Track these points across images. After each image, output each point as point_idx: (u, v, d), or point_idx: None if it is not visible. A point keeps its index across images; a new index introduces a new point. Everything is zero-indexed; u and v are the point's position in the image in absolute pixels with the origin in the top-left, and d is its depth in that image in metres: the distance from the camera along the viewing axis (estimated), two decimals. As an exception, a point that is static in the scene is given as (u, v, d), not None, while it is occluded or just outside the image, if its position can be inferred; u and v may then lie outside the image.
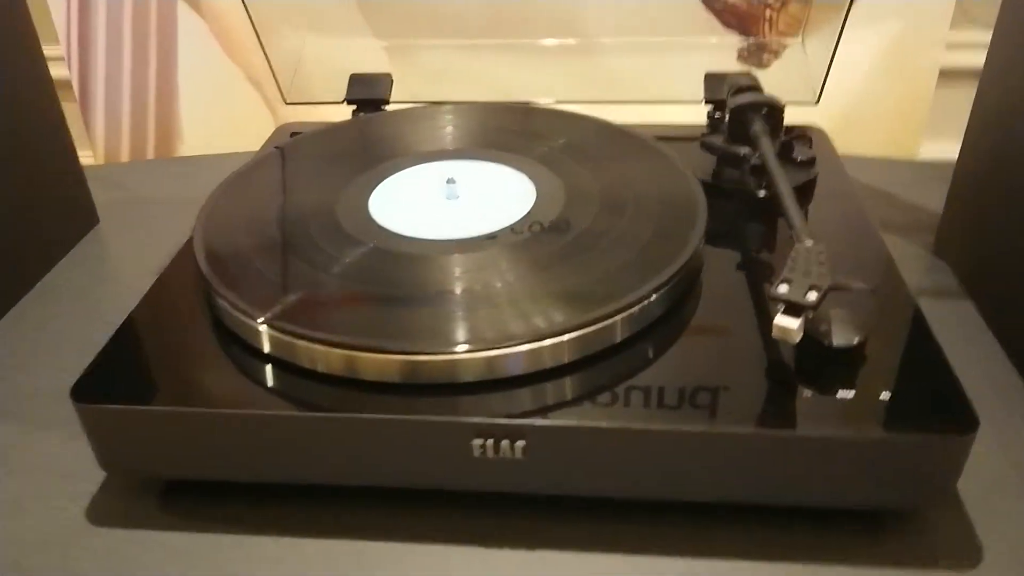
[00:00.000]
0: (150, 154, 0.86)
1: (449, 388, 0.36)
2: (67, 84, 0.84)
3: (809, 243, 0.37)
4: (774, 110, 0.49)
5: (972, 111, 0.51)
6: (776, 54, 0.81)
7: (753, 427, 0.33)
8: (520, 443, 0.34)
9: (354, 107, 0.61)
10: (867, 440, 0.33)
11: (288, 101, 0.61)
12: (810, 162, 0.51)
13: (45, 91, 0.57)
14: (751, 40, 0.75)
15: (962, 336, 0.48)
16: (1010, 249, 0.46)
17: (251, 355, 0.38)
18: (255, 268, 0.42)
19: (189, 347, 0.40)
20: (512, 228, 0.43)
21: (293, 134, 0.59)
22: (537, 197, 0.46)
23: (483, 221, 0.44)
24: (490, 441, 0.34)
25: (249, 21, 0.56)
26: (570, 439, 0.34)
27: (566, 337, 0.37)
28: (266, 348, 0.38)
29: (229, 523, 0.38)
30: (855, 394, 0.35)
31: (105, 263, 0.59)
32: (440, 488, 0.37)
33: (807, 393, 0.35)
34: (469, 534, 0.37)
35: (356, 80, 0.60)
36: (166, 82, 0.82)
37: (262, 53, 0.62)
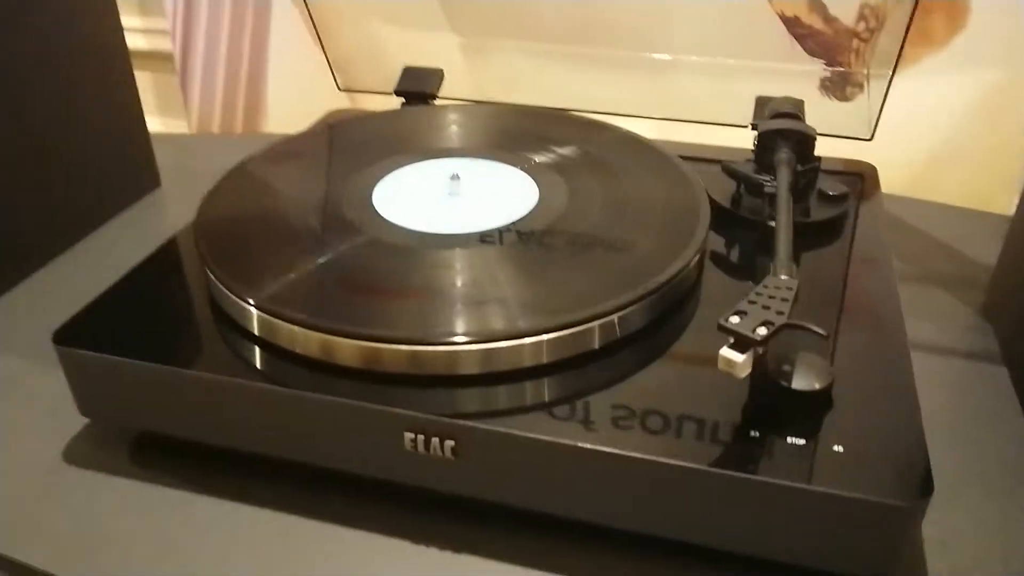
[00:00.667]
0: (238, 128, 0.90)
1: (403, 379, 0.36)
2: (169, 56, 0.89)
3: (783, 277, 0.35)
4: (804, 139, 0.46)
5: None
6: (861, 87, 0.77)
7: (684, 460, 0.32)
8: (449, 443, 0.34)
9: (402, 99, 0.62)
10: (797, 489, 0.31)
11: (341, 88, 0.63)
12: (842, 197, 0.48)
13: (120, 60, 0.61)
14: (834, 70, 0.71)
15: (983, 403, 0.44)
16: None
17: (230, 327, 0.40)
18: (249, 246, 0.43)
19: (176, 310, 0.42)
20: (500, 229, 0.43)
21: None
22: (538, 201, 0.46)
23: (477, 219, 0.44)
24: (421, 437, 0.34)
25: (309, 13, 0.58)
26: (499, 446, 0.34)
27: (525, 341, 0.36)
28: (246, 324, 0.39)
29: (184, 481, 0.40)
30: (806, 442, 0.33)
31: (157, 224, 0.63)
32: (372, 476, 0.37)
33: (754, 433, 0.33)
34: (397, 527, 0.37)
35: (408, 73, 0.62)
36: (257, 62, 0.86)
37: (333, 39, 0.64)
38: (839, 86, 0.71)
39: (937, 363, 0.47)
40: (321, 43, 0.60)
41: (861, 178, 0.54)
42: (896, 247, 0.59)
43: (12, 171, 0.53)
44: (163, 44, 0.91)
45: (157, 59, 0.95)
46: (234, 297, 0.39)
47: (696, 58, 0.70)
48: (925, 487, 0.30)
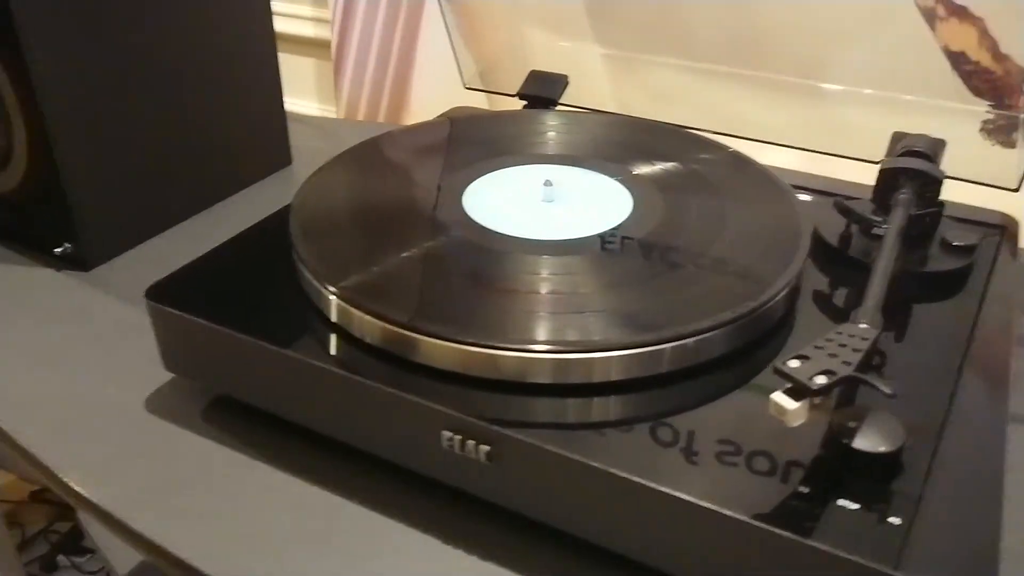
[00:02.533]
0: (381, 118, 0.94)
1: (459, 379, 0.36)
2: (327, 44, 0.94)
3: (862, 326, 0.32)
4: (929, 181, 0.42)
5: None
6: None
7: (717, 504, 0.30)
8: (484, 447, 0.34)
9: (524, 103, 0.62)
10: (837, 558, 0.28)
11: (466, 86, 0.64)
12: (968, 249, 0.43)
13: (266, 44, 0.64)
14: (998, 113, 0.65)
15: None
16: None
17: (307, 306, 0.41)
18: (336, 234, 0.44)
19: (263, 283, 0.43)
20: (581, 239, 0.42)
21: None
22: (631, 214, 0.45)
23: (562, 228, 0.43)
24: (458, 437, 0.34)
25: (442, 12, 0.59)
26: (533, 457, 0.33)
27: (583, 356, 0.35)
28: (321, 306, 0.40)
29: (246, 445, 0.41)
30: (859, 507, 0.30)
31: (281, 198, 0.65)
32: (409, 468, 0.37)
33: (803, 489, 0.31)
34: (431, 521, 0.37)
35: (533, 77, 0.62)
36: (406, 56, 0.89)
37: (475, 38, 0.65)
38: (1004, 130, 0.65)
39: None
40: (450, 38, 0.61)
41: (1002, 231, 0.49)
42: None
43: (156, 139, 0.57)
44: (328, 33, 0.96)
45: (322, 47, 1.00)
46: (312, 280, 0.40)
47: (851, 89, 0.66)
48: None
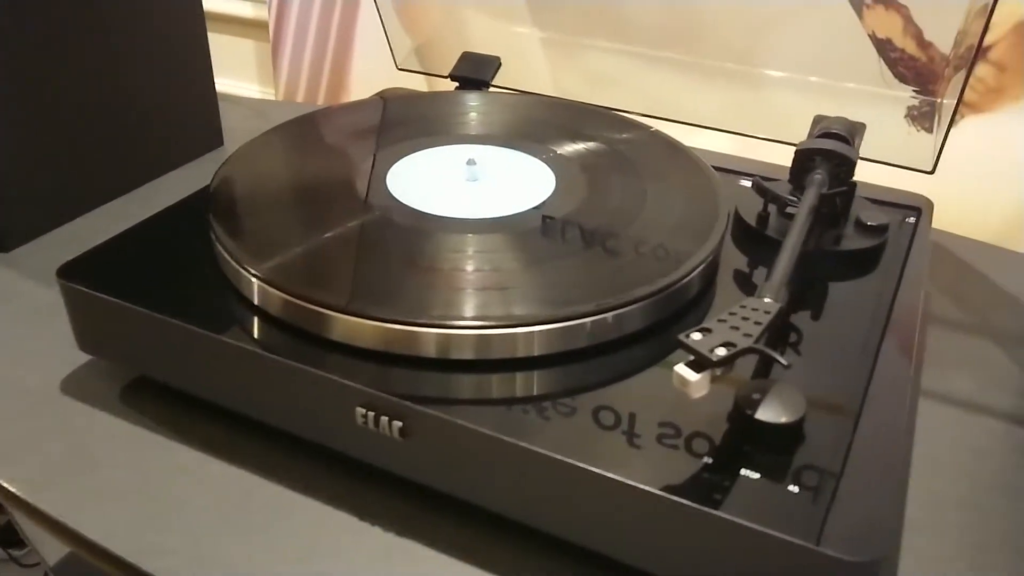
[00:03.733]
0: (320, 100, 0.92)
1: (370, 355, 0.36)
2: (264, 25, 0.92)
3: (766, 300, 0.32)
4: (843, 161, 0.43)
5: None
6: (954, 122, 0.72)
7: (618, 474, 0.30)
8: (397, 423, 0.34)
9: (456, 84, 0.61)
10: (731, 524, 0.28)
11: (399, 67, 0.64)
12: (881, 229, 0.44)
13: (196, 23, 0.63)
14: (922, 99, 0.66)
15: (1005, 473, 0.40)
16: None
17: (223, 286, 0.40)
18: (254, 212, 0.44)
19: (178, 263, 0.43)
20: (506, 218, 0.42)
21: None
22: (553, 192, 0.45)
23: (485, 206, 0.43)
24: (371, 413, 0.34)
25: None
26: (442, 432, 0.33)
27: (495, 331, 0.35)
28: (239, 286, 0.40)
29: (162, 425, 0.41)
30: (760, 476, 0.30)
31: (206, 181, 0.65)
32: (327, 445, 0.37)
33: (706, 459, 0.31)
34: (350, 502, 0.37)
35: (465, 58, 0.61)
36: (345, 38, 0.88)
37: (411, 19, 0.64)
38: (927, 116, 0.66)
39: (968, 423, 0.43)
40: (380, 17, 0.60)
41: (918, 213, 0.50)
42: (951, 289, 0.55)
43: (79, 118, 0.56)
44: (261, 13, 0.94)
45: (262, 27, 0.98)
46: (229, 260, 0.40)
47: (781, 74, 0.67)
48: (875, 549, 0.28)
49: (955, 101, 0.48)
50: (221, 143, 0.69)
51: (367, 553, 0.35)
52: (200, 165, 0.66)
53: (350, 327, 0.36)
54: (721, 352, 0.29)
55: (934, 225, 0.52)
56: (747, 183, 0.47)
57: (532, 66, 0.71)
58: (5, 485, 0.38)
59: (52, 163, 0.55)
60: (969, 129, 0.72)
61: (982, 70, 0.70)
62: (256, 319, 0.39)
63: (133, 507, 0.37)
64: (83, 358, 0.44)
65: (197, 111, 0.66)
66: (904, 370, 0.36)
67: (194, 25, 0.63)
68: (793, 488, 0.30)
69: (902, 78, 0.67)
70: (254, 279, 0.38)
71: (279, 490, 0.38)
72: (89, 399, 0.42)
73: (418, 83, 0.86)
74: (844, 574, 0.28)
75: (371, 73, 0.89)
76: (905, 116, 0.66)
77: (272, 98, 0.97)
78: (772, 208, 0.45)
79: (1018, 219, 0.72)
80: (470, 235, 0.41)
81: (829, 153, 0.43)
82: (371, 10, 0.86)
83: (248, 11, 1.00)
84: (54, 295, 0.49)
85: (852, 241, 0.44)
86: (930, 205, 0.50)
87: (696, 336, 0.30)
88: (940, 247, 0.59)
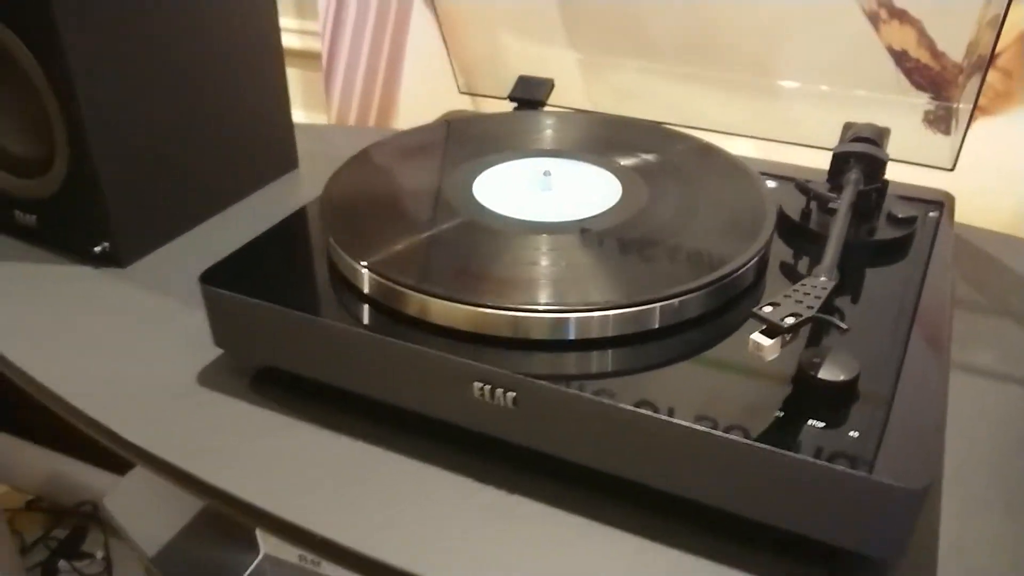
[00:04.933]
0: (371, 122, 0.99)
1: (485, 339, 0.42)
2: (317, 55, 0.99)
3: (821, 279, 0.38)
4: (874, 162, 0.49)
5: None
6: (971, 123, 0.78)
7: (706, 426, 0.36)
8: (511, 394, 0.40)
9: (515, 104, 0.68)
10: (805, 463, 0.34)
11: (462, 90, 0.70)
12: (909, 220, 0.50)
13: (276, 58, 0.70)
14: (938, 104, 0.72)
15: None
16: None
17: (343, 283, 0.47)
18: (364, 218, 0.50)
19: (301, 266, 0.49)
20: (580, 220, 0.48)
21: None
22: (620, 199, 0.51)
23: (562, 210, 0.50)
24: (487, 387, 0.40)
25: (439, 24, 0.65)
26: (553, 399, 0.39)
27: (583, 315, 0.41)
28: (356, 282, 0.46)
29: (291, 409, 0.47)
30: (825, 426, 0.36)
31: (292, 197, 0.71)
32: (446, 420, 0.43)
33: (780, 414, 0.37)
34: (463, 466, 0.43)
35: (522, 81, 0.68)
36: (394, 66, 0.95)
37: (460, 46, 0.71)
38: (942, 120, 0.72)
39: (993, 390, 0.49)
40: (448, 49, 0.67)
41: (941, 206, 0.56)
42: (973, 275, 0.61)
43: (182, 146, 0.63)
44: (313, 44, 1.01)
45: (307, 58, 1.05)
46: (347, 258, 0.46)
47: (806, 85, 0.73)
48: (924, 476, 0.34)
49: (971, 105, 0.54)
50: (296, 165, 0.75)
51: (482, 509, 0.41)
52: (280, 185, 0.73)
53: (454, 313, 0.42)
54: (790, 320, 0.35)
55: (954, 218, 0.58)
56: (772, 184, 0.53)
57: (569, 85, 0.77)
58: (161, 456, 0.44)
59: (158, 187, 0.62)
60: (980, 132, 0.77)
61: (991, 76, 0.76)
62: (370, 309, 0.45)
63: (275, 476, 0.43)
64: (209, 358, 0.51)
65: (277, 137, 0.73)
66: (938, 335, 0.42)
67: (274, 58, 0.70)
68: (853, 433, 0.36)
69: (918, 86, 0.73)
70: (372, 273, 0.44)
71: (400, 459, 0.44)
72: (223, 389, 0.49)
73: (464, 105, 0.93)
74: (897, 499, 0.33)
75: (418, 98, 0.95)
76: (922, 121, 0.72)
77: (320, 123, 1.03)
78: (813, 205, 0.51)
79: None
80: (550, 235, 0.47)
81: (862, 155, 0.50)
82: (418, 41, 0.93)
83: (296, 43, 1.07)
84: (169, 303, 0.56)
85: (885, 232, 0.50)
86: (951, 199, 0.56)
87: (768, 309, 0.36)
88: (958, 238, 0.65)
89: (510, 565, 0.38)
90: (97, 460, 1.48)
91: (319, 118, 1.05)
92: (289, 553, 0.76)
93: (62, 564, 1.42)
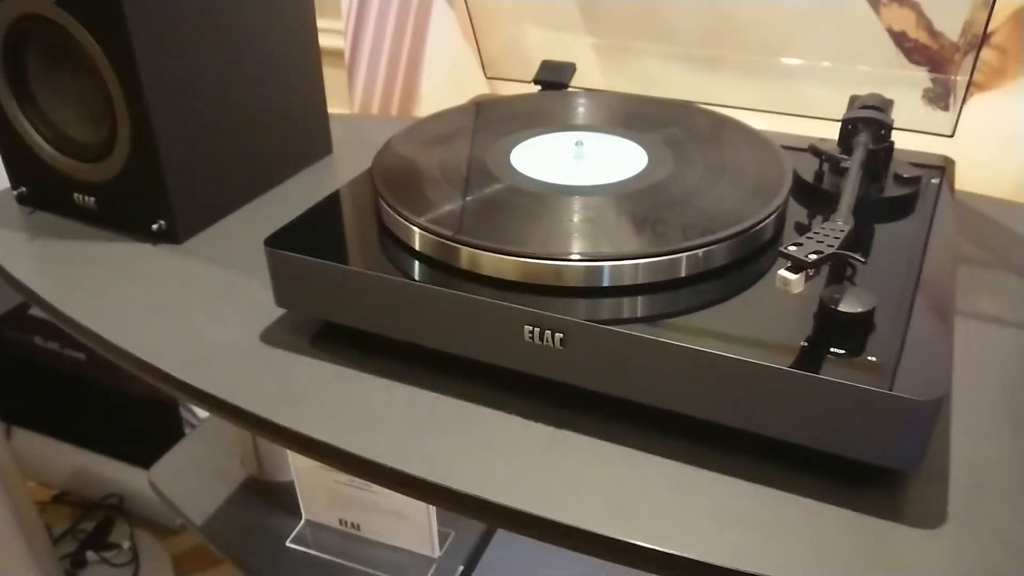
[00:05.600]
0: (394, 112, 1.03)
1: (529, 287, 0.46)
2: (341, 52, 1.03)
3: (839, 222, 0.43)
4: (881, 126, 0.54)
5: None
6: (968, 95, 0.82)
7: (741, 355, 0.40)
8: (559, 335, 0.44)
9: (540, 87, 0.72)
10: (832, 383, 0.38)
11: (488, 76, 0.74)
12: (914, 179, 0.55)
13: (313, 52, 0.75)
14: (935, 77, 0.76)
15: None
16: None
17: (395, 242, 0.51)
18: (412, 184, 0.55)
19: (355, 229, 0.53)
20: (613, 184, 0.53)
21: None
22: (647, 166, 0.55)
23: (594, 175, 0.54)
24: (537, 329, 0.44)
25: (469, 14, 0.69)
26: (598, 338, 0.43)
27: (619, 263, 0.46)
28: (408, 240, 0.50)
29: (353, 362, 0.51)
30: (846, 352, 0.40)
31: (329, 179, 0.76)
32: (496, 364, 0.47)
33: (803, 343, 0.41)
34: (514, 406, 0.47)
35: (545, 65, 0.72)
36: (415, 58, 0.99)
37: (486, 35, 0.75)
38: (941, 97, 0.77)
39: (996, 332, 0.53)
40: (475, 38, 0.71)
41: (942, 170, 0.60)
42: (976, 235, 0.65)
43: (232, 131, 0.67)
44: (333, 42, 1.06)
45: (328, 55, 1.09)
46: (399, 218, 0.50)
47: (814, 65, 0.78)
48: (937, 390, 0.38)
49: (967, 78, 0.58)
50: (331, 151, 0.80)
51: (534, 443, 0.45)
52: (317, 170, 0.77)
53: (502, 264, 0.46)
54: (813, 257, 0.40)
55: (955, 185, 0.62)
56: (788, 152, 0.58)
57: (587, 69, 0.81)
58: (243, 406, 0.48)
59: (210, 172, 0.66)
60: (979, 106, 0.82)
61: (987, 54, 0.80)
62: (421, 265, 0.49)
63: (341, 420, 0.47)
64: (268, 321, 0.55)
65: (313, 125, 0.77)
66: (942, 277, 0.46)
67: (311, 55, 0.75)
68: (871, 358, 0.40)
69: (917, 64, 0.77)
70: (423, 231, 0.49)
71: (456, 402, 0.48)
72: (286, 346, 0.53)
73: (485, 90, 0.97)
74: (914, 410, 0.38)
75: (438, 86, 1.00)
76: (922, 97, 0.77)
77: (344, 112, 1.08)
78: (826, 167, 0.55)
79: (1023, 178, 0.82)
80: (582, 197, 0.52)
81: (869, 120, 0.54)
82: (437, 33, 0.97)
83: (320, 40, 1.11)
84: (226, 275, 0.60)
85: (892, 190, 0.54)
86: (952, 163, 0.61)
87: (793, 248, 0.40)
88: (962, 204, 0.70)
89: (560, 490, 0.42)
90: (120, 455, 1.52)
91: (342, 112, 1.10)
92: (330, 518, 0.80)
93: (90, 555, 1.46)
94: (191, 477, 0.84)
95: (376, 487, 0.78)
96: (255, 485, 0.84)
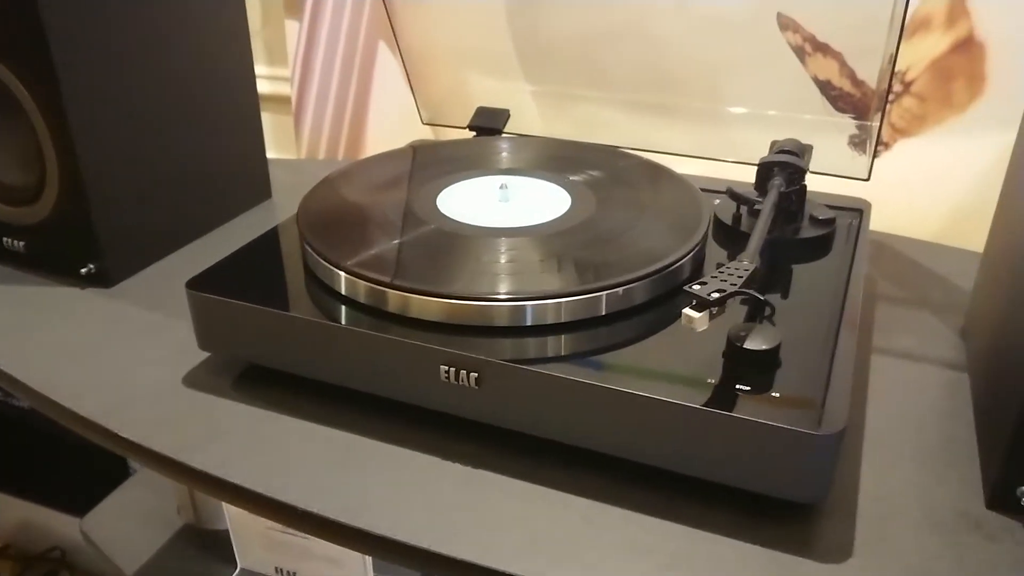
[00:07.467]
0: (340, 156, 1.04)
1: (451, 328, 0.47)
2: (289, 99, 1.05)
3: (745, 262, 0.44)
4: (795, 170, 0.55)
5: (997, 206, 0.54)
6: (887, 146, 0.85)
7: (653, 393, 0.41)
8: (474, 374, 0.44)
9: (474, 133, 0.74)
10: (727, 418, 0.39)
11: (424, 121, 0.75)
12: (829, 221, 0.56)
13: (251, 98, 0.76)
14: (860, 124, 0.79)
15: (940, 401, 0.51)
16: (999, 343, 0.49)
17: (318, 285, 0.51)
18: (338, 228, 0.55)
19: (277, 272, 0.53)
20: (536, 225, 0.54)
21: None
22: (570, 207, 0.56)
23: (518, 217, 0.55)
24: (452, 369, 0.45)
25: (403, 62, 0.70)
26: (512, 378, 0.44)
27: (538, 303, 0.46)
28: (332, 283, 0.50)
29: (272, 404, 0.51)
30: (750, 388, 0.41)
31: (266, 224, 0.76)
32: (415, 403, 0.47)
33: (711, 380, 0.42)
34: (432, 447, 0.47)
35: (480, 112, 0.74)
36: (361, 104, 1.01)
37: (423, 82, 0.77)
38: (864, 143, 0.79)
39: (910, 368, 0.54)
40: (411, 84, 0.72)
41: (860, 212, 0.62)
42: (897, 276, 0.67)
43: (165, 175, 0.67)
44: (282, 89, 1.07)
45: (276, 101, 1.10)
46: (321, 260, 0.50)
47: (746, 111, 0.80)
48: (837, 423, 0.39)
49: (878, 123, 0.61)
50: (270, 195, 0.80)
51: (450, 482, 0.45)
52: (256, 213, 0.77)
53: (422, 305, 0.47)
54: (716, 295, 0.41)
55: (880, 227, 0.64)
56: (718, 200, 0.59)
57: (526, 115, 0.83)
58: (158, 450, 0.48)
59: (142, 216, 0.66)
60: (903, 152, 0.85)
61: (908, 101, 0.84)
62: (344, 307, 0.49)
63: (260, 462, 0.47)
64: (193, 363, 0.55)
65: (252, 170, 0.78)
66: (852, 315, 0.48)
67: (250, 98, 0.75)
68: (775, 394, 0.41)
69: (842, 111, 0.80)
70: (346, 274, 0.49)
71: (374, 443, 0.48)
72: (209, 389, 0.52)
73: (427, 136, 0.99)
74: (816, 445, 0.38)
75: (384, 132, 1.01)
76: (848, 144, 0.79)
77: (290, 158, 1.09)
78: (743, 210, 0.57)
79: (949, 219, 0.85)
80: (508, 238, 0.52)
81: (784, 164, 0.56)
82: (383, 79, 0.99)
83: (266, 88, 1.12)
84: (156, 318, 0.59)
85: (807, 231, 0.56)
86: (868, 205, 0.63)
87: (697, 286, 0.41)
88: (884, 245, 0.72)
89: (475, 528, 0.42)
90: (64, 505, 1.48)
91: (289, 157, 1.10)
92: (266, 566, 0.79)
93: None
94: (126, 525, 0.82)
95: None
96: (192, 533, 0.82)
